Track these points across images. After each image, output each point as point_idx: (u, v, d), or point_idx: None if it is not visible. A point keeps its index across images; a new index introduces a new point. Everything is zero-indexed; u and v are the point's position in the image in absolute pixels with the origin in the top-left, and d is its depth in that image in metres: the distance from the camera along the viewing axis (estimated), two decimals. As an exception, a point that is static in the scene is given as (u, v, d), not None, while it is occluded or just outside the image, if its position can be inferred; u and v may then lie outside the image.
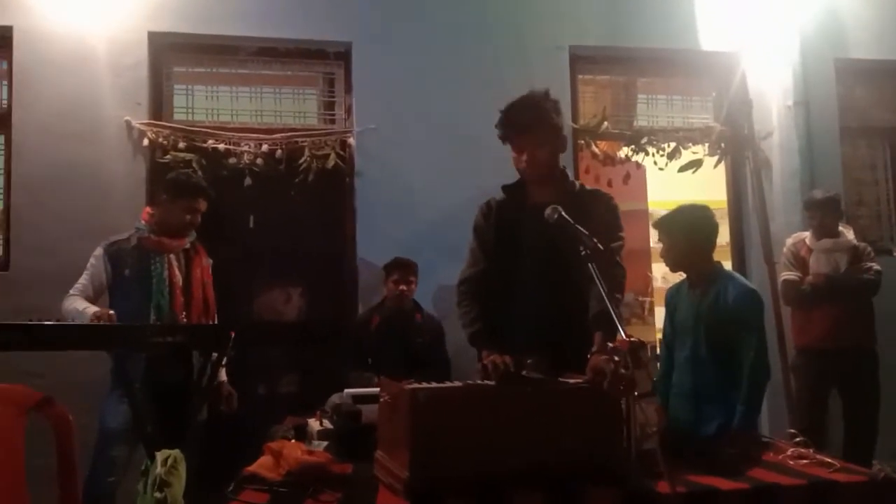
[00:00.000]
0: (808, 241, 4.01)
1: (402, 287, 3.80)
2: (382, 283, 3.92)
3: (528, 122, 2.34)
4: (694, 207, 2.74)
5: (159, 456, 2.08)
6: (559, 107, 2.44)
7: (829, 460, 1.96)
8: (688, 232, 2.66)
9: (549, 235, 2.14)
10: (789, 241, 4.12)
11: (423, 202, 4.25)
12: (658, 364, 2.78)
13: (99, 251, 3.12)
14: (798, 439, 2.13)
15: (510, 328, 2.34)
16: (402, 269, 3.82)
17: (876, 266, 3.89)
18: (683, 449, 2.01)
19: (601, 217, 2.33)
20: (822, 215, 3.95)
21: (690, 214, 2.70)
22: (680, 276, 2.82)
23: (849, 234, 4.01)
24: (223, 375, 3.22)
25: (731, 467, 1.88)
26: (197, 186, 3.22)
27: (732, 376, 2.54)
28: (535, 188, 2.40)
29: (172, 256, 3.18)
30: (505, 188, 2.51)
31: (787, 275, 4.01)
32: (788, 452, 2.06)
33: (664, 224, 2.73)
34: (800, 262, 3.99)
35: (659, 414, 2.50)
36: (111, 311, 2.86)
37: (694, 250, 2.67)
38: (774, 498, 1.75)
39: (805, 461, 1.99)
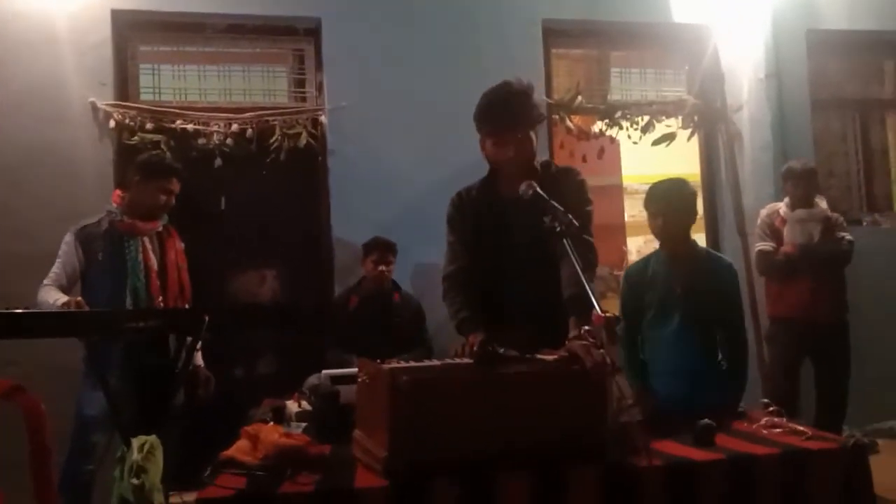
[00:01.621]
0: (782, 211, 4.04)
1: (382, 267, 3.78)
2: (360, 263, 3.89)
3: (513, 119, 2.29)
4: (683, 181, 2.75)
5: (135, 442, 2.06)
6: (535, 97, 2.40)
7: (802, 429, 2.00)
8: (687, 206, 2.67)
9: (528, 218, 2.13)
10: (764, 211, 4.15)
11: (398, 180, 4.22)
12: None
13: (69, 237, 3.06)
14: (771, 409, 2.16)
15: (497, 313, 2.34)
16: (381, 249, 3.80)
17: (848, 236, 3.94)
18: (676, 426, 2.01)
19: (569, 192, 2.33)
20: (804, 185, 3.98)
21: (684, 188, 2.70)
22: (642, 251, 2.81)
23: (822, 204, 4.05)
24: (199, 360, 3.19)
25: (711, 439, 1.90)
26: (170, 167, 3.19)
27: (715, 351, 2.58)
28: (508, 175, 2.38)
29: (146, 239, 3.14)
30: (479, 183, 2.47)
31: (761, 245, 4.04)
32: (762, 422, 2.10)
33: (669, 198, 2.66)
34: (774, 233, 4.02)
35: (645, 396, 2.53)
36: (79, 299, 2.82)
37: (688, 225, 2.68)
38: (749, 467, 1.78)
39: (778, 430, 2.02)
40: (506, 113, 2.30)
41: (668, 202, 2.65)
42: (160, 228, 3.20)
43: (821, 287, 3.88)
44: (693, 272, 2.62)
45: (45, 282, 2.97)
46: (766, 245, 4.02)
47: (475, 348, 2.03)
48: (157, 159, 3.26)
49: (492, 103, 2.32)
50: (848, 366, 3.92)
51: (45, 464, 1.88)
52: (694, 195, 2.75)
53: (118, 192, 3.24)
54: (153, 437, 2.11)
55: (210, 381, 3.23)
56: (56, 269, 3.01)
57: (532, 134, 2.35)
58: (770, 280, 4.10)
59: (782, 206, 4.07)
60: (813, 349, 3.94)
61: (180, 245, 3.29)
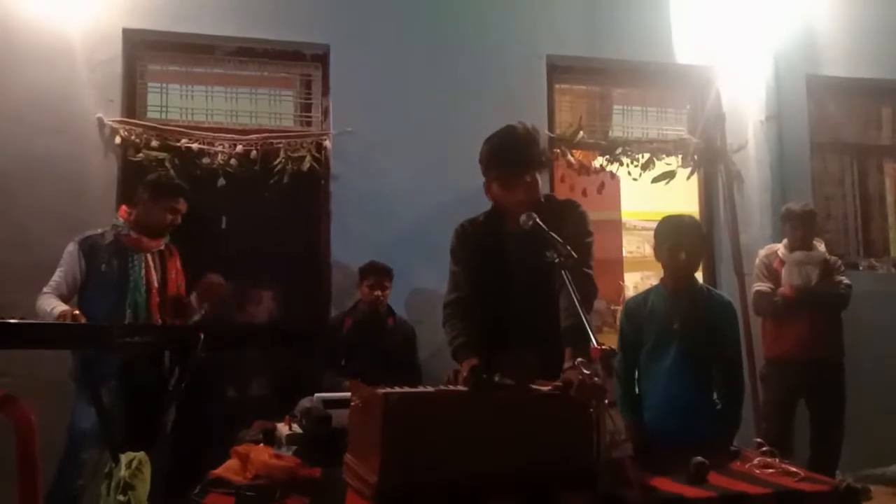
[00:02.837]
0: (780, 252, 4.06)
1: (377, 292, 3.79)
2: (356, 286, 3.90)
3: (521, 164, 2.32)
4: (693, 218, 2.76)
5: (123, 458, 2.05)
6: (540, 140, 2.43)
7: (794, 469, 1.98)
8: (701, 240, 2.69)
9: (530, 253, 2.14)
10: (762, 252, 4.17)
11: (398, 206, 4.24)
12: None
13: (72, 247, 3.08)
14: (764, 448, 2.15)
15: (500, 342, 2.34)
16: (377, 273, 3.81)
17: (846, 280, 3.96)
18: (669, 462, 1.99)
19: (570, 224, 2.35)
20: (803, 227, 4.00)
21: (697, 223, 2.72)
22: (639, 287, 2.81)
23: (821, 247, 4.07)
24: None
25: (703, 476, 1.89)
26: (179, 187, 3.25)
27: (710, 387, 2.57)
28: (514, 211, 2.39)
29: (149, 256, 3.17)
30: (484, 215, 2.50)
31: (759, 286, 4.05)
32: (755, 461, 2.08)
33: (693, 232, 2.66)
34: (772, 274, 4.04)
35: (637, 431, 2.51)
36: (76, 311, 2.82)
37: (700, 261, 2.70)
38: (740, 506, 1.76)
39: (771, 470, 2.01)
40: (513, 158, 2.32)
41: (693, 236, 2.65)
42: (163, 247, 3.23)
43: (817, 329, 3.88)
44: (691, 307, 2.62)
45: (45, 289, 2.98)
46: (764, 286, 4.03)
47: (465, 373, 2.03)
48: (166, 180, 3.30)
49: (498, 148, 2.34)
50: (842, 408, 3.90)
51: (33, 475, 1.86)
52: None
53: (125, 207, 3.27)
54: (142, 454, 2.11)
55: (221, 284, 3.23)
56: (57, 277, 3.02)
57: (538, 176, 2.38)
58: (766, 320, 4.10)
59: (781, 248, 4.08)
60: (808, 390, 3.93)
61: (180, 265, 3.32)
